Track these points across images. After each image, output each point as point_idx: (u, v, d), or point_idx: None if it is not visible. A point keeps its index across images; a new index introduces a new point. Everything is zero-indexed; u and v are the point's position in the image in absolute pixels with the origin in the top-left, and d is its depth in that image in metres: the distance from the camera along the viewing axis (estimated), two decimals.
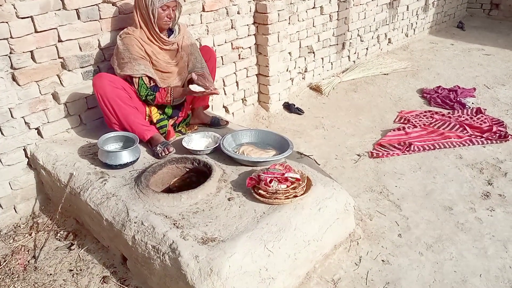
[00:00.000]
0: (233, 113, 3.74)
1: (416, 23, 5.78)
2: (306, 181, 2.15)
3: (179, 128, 2.79)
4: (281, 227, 1.94)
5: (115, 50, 2.51)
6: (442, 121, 3.64)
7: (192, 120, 2.89)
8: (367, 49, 5.08)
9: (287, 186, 2.07)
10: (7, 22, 2.25)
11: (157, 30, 2.50)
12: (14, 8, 2.25)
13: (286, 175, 2.10)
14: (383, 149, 3.29)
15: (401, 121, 3.74)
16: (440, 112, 3.86)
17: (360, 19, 4.74)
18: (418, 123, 3.63)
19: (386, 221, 2.51)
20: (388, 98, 4.24)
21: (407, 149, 3.24)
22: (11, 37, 2.29)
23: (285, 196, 2.05)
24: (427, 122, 3.66)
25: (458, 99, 4.01)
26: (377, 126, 3.68)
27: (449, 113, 3.82)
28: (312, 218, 2.06)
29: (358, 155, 3.23)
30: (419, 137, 3.40)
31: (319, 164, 2.75)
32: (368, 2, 4.74)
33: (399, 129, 3.54)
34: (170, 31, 2.65)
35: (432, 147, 3.26)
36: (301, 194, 2.09)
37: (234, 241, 1.82)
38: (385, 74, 4.78)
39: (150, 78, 2.51)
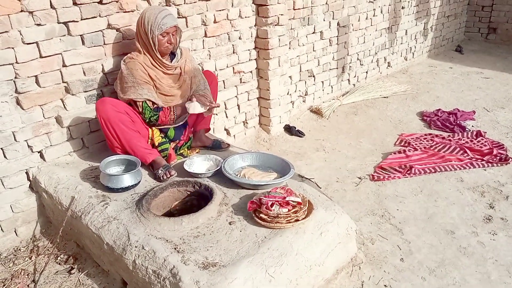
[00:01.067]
0: (234, 136, 3.76)
1: (415, 47, 5.86)
2: (307, 204, 2.15)
3: (181, 151, 2.80)
4: (282, 251, 1.93)
5: (119, 74, 2.55)
6: (443, 144, 3.65)
7: (194, 143, 2.90)
8: (366, 72, 5.14)
9: (289, 210, 2.06)
10: (13, 48, 2.29)
11: (159, 56, 2.55)
12: (20, 34, 2.30)
13: (287, 198, 2.10)
14: (384, 172, 3.29)
15: (402, 144, 3.76)
16: (440, 135, 3.88)
17: (360, 44, 4.81)
18: (418, 146, 3.64)
19: (388, 245, 2.50)
20: (389, 121, 4.27)
21: (408, 172, 3.24)
22: (17, 62, 2.32)
23: (287, 220, 2.04)
24: (427, 145, 3.67)
25: (458, 122, 4.04)
26: (378, 149, 3.69)
27: (449, 136, 3.84)
28: (314, 242, 2.05)
29: (359, 178, 3.23)
30: (419, 160, 3.40)
31: (320, 187, 2.76)
32: (367, 27, 4.82)
33: (399, 152, 3.55)
34: (173, 55, 2.70)
35: (433, 170, 3.27)
36: (303, 218, 2.08)
37: (235, 266, 1.81)
38: (385, 97, 4.82)
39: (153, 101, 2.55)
